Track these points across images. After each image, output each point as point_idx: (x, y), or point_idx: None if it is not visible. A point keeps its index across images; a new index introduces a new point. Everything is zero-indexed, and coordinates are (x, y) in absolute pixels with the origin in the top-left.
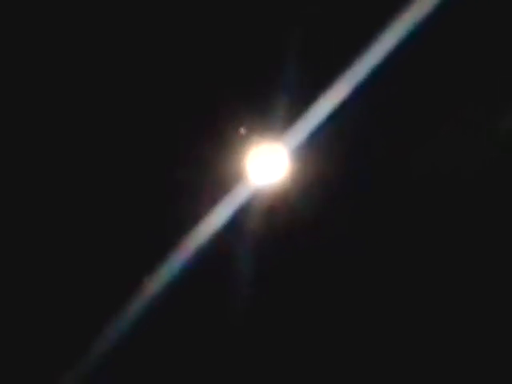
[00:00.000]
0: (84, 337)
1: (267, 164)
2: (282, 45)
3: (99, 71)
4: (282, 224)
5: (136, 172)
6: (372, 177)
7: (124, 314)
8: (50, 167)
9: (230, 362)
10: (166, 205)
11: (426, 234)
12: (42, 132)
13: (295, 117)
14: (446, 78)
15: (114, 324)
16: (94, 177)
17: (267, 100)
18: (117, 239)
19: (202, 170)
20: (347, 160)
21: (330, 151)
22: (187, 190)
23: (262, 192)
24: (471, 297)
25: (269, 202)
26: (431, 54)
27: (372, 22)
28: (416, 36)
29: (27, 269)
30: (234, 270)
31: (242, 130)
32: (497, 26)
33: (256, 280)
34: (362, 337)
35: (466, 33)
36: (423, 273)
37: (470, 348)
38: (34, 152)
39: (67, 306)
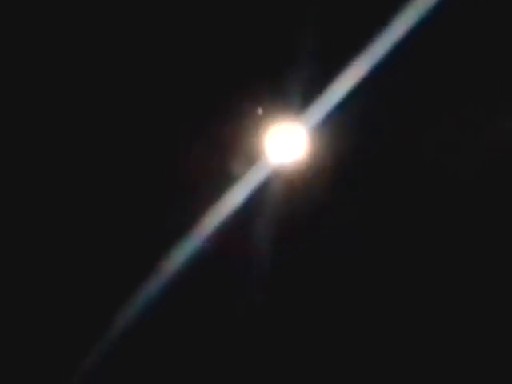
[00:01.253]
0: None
1: (286, 143)
2: (300, 25)
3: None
4: (300, 203)
5: (154, 152)
6: (386, 159)
7: (143, 293)
8: (47, 165)
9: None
10: (185, 185)
11: (430, 222)
12: (35, 131)
13: (313, 96)
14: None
15: (128, 307)
16: (114, 154)
17: (285, 79)
18: (135, 218)
19: (221, 149)
20: (364, 140)
21: (348, 131)
22: (206, 169)
23: (281, 171)
24: (470, 294)
25: (287, 181)
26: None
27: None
28: (432, 19)
29: (34, 258)
30: (253, 249)
31: (260, 110)
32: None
33: (274, 260)
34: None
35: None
36: (426, 267)
37: (469, 348)
38: (29, 151)
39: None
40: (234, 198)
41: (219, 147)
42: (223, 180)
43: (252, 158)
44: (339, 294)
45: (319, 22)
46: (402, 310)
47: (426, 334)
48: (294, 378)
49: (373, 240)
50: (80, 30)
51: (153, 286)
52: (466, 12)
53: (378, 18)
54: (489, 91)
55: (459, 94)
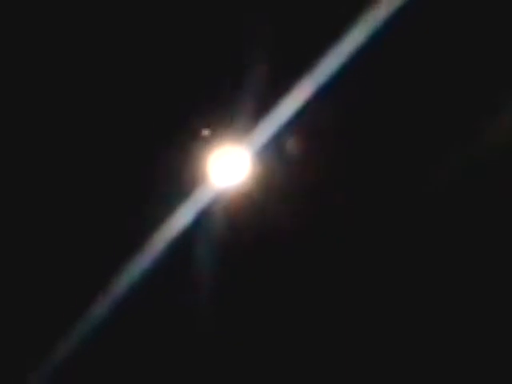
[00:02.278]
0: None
1: (229, 166)
2: (245, 47)
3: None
4: (243, 226)
5: (99, 174)
6: (333, 178)
7: (89, 316)
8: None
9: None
10: (129, 207)
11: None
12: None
13: (257, 119)
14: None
15: (79, 325)
16: (56, 182)
17: (229, 102)
18: (79, 242)
19: (165, 172)
20: (308, 162)
21: (291, 154)
22: (149, 192)
23: (224, 194)
24: (457, 294)
25: (231, 204)
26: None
27: (331, 26)
28: (375, 39)
29: None
30: (197, 272)
31: (205, 132)
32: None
33: (219, 282)
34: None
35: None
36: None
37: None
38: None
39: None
40: (178, 221)
41: (163, 170)
42: (167, 203)
43: (196, 181)
44: (280, 317)
45: (264, 46)
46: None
47: (398, 335)
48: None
49: (315, 261)
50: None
51: (99, 307)
52: (408, 32)
53: (321, 41)
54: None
55: (406, 119)
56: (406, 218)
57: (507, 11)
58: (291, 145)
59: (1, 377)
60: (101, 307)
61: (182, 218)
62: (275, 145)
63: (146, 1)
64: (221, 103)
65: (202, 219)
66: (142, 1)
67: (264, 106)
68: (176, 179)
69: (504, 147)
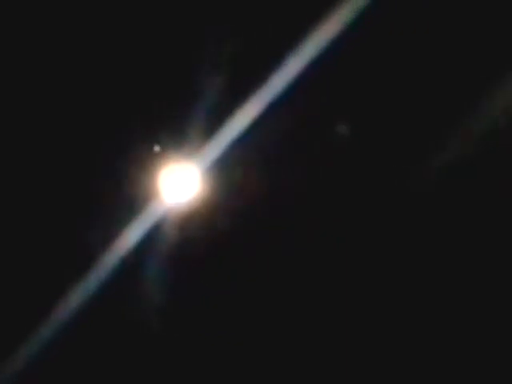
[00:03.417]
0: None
1: (179, 183)
2: (195, 64)
3: None
4: (194, 241)
5: (48, 190)
6: (283, 196)
7: (37, 335)
8: None
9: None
10: (79, 223)
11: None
12: None
13: (207, 136)
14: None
15: (29, 344)
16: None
17: (179, 120)
18: (28, 258)
19: (114, 188)
20: (258, 178)
21: (241, 170)
22: (99, 208)
23: (175, 210)
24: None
25: (181, 221)
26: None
27: (280, 46)
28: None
29: None
30: (148, 288)
31: (156, 148)
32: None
33: (169, 298)
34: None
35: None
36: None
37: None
38: None
39: None
40: (128, 237)
41: (113, 186)
42: (118, 218)
43: (146, 197)
44: (233, 331)
45: (215, 64)
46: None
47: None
48: None
49: (266, 274)
50: None
51: (50, 324)
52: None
53: (269, 59)
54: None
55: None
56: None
57: None
58: (241, 162)
59: None
60: (50, 323)
61: (132, 233)
62: (225, 162)
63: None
64: (171, 120)
65: (152, 235)
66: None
67: (213, 124)
68: (127, 195)
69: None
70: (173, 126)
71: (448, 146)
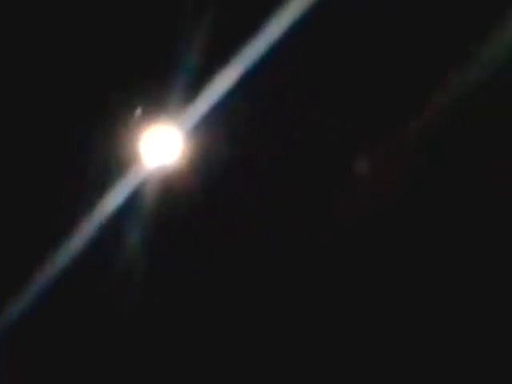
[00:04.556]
0: None
1: (161, 146)
2: (176, 29)
3: None
4: (176, 206)
5: (27, 158)
6: (262, 159)
7: (20, 300)
8: None
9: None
10: (61, 188)
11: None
12: None
13: (188, 99)
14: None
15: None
16: None
17: (161, 83)
18: (8, 226)
19: (96, 152)
20: (238, 142)
21: (222, 133)
22: (82, 173)
23: (156, 174)
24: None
25: (163, 184)
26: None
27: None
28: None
29: None
30: (130, 252)
31: (137, 112)
32: None
33: (150, 264)
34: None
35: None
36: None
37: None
38: None
39: None
40: (111, 201)
41: (95, 150)
42: (99, 183)
43: (127, 160)
44: (212, 297)
45: (194, 27)
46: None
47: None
48: None
49: (245, 242)
50: None
51: (32, 288)
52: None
53: (252, 20)
54: None
55: (333, 100)
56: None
57: None
58: (221, 124)
59: None
60: (34, 288)
61: (114, 198)
62: (206, 124)
63: None
64: (153, 83)
65: (134, 199)
66: None
67: (194, 86)
68: (109, 159)
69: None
70: (155, 89)
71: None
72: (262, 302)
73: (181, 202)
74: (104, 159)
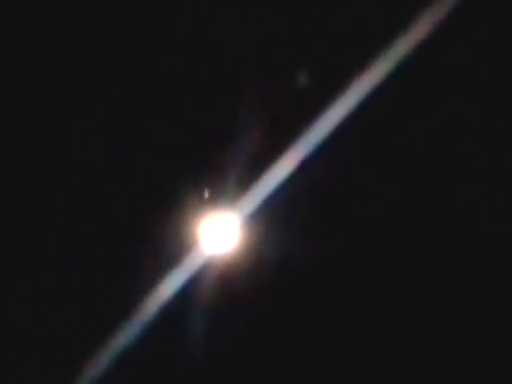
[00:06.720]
0: None
1: (219, 233)
2: (235, 112)
3: None
4: (234, 292)
5: (92, 241)
6: (321, 245)
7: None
8: None
9: None
10: (120, 273)
11: None
12: None
13: (247, 186)
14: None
15: None
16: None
17: (220, 170)
18: (72, 309)
19: (156, 239)
20: (297, 229)
21: (280, 220)
22: (141, 259)
23: (215, 261)
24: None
25: (221, 271)
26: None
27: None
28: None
29: None
30: (188, 338)
31: (206, 194)
32: None
33: (209, 348)
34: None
35: None
36: None
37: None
38: None
39: None
40: (169, 287)
41: (154, 237)
42: (158, 269)
43: (186, 247)
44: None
45: (253, 112)
46: None
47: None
48: None
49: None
50: None
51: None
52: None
53: (310, 108)
54: None
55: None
56: None
57: None
58: (280, 211)
59: None
60: (92, 373)
61: (173, 284)
62: (265, 211)
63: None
64: (212, 170)
65: (192, 285)
66: None
67: (253, 173)
68: (167, 245)
69: None
70: (213, 175)
71: None
72: None
73: (237, 289)
74: (164, 245)
